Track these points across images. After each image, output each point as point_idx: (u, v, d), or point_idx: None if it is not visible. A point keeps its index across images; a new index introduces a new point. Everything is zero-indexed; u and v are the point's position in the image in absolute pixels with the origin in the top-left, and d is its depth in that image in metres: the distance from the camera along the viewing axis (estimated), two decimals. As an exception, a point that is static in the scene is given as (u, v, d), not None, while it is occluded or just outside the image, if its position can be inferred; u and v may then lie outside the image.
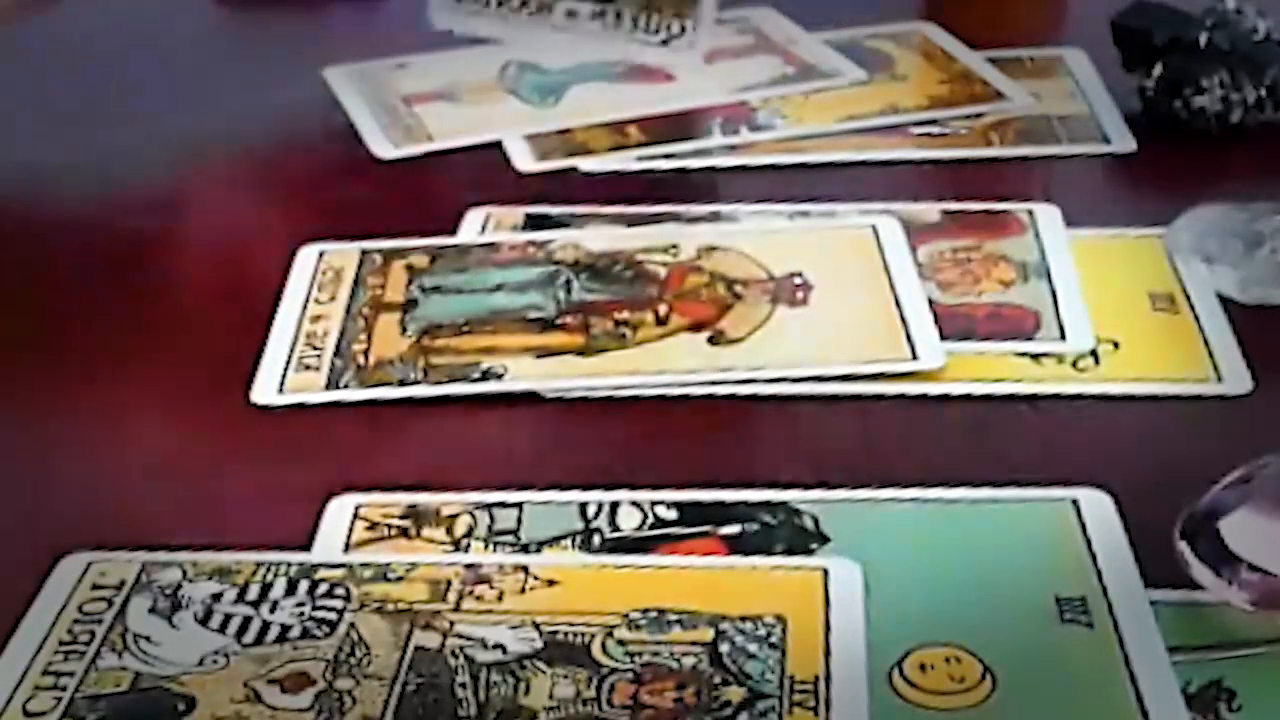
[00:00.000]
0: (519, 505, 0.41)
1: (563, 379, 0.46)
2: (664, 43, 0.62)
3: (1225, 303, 0.48)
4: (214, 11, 0.72)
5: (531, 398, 0.46)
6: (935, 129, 0.60)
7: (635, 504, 0.41)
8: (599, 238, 0.52)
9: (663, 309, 0.49)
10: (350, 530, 0.41)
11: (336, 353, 0.47)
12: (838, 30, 0.66)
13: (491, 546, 0.40)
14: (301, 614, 0.38)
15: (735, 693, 0.35)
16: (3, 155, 0.57)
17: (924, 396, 0.45)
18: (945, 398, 0.45)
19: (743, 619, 0.37)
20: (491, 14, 0.63)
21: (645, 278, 0.50)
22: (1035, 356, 0.47)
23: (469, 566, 0.39)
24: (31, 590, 0.39)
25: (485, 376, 0.46)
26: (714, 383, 0.46)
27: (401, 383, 0.46)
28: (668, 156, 0.58)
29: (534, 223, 0.54)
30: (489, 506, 0.41)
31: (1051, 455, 0.43)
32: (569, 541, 0.40)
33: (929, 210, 0.54)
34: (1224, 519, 0.37)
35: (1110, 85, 0.62)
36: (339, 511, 0.41)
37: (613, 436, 0.45)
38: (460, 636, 0.37)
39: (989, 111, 0.60)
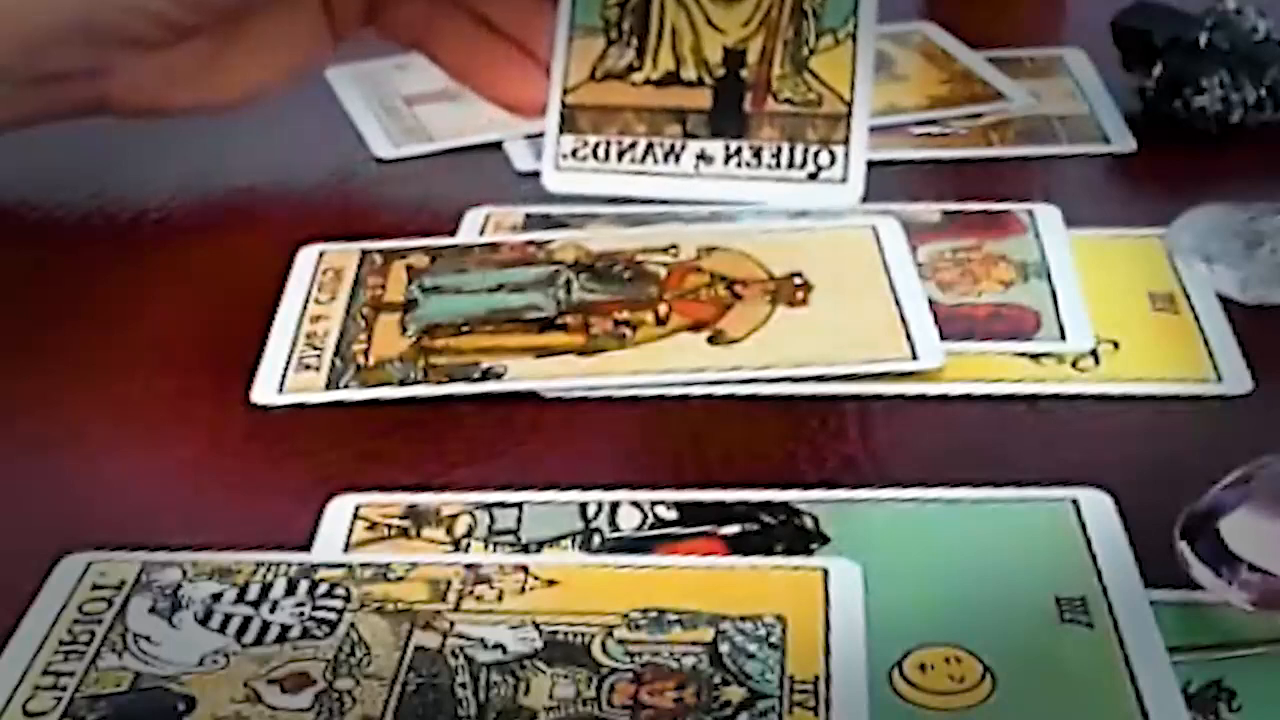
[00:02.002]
0: (519, 505, 0.41)
1: (563, 379, 0.46)
2: (811, 176, 0.53)
3: (1225, 303, 0.48)
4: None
5: (531, 398, 0.46)
6: (935, 129, 0.60)
7: (635, 504, 0.41)
8: (599, 238, 0.52)
9: (663, 309, 0.49)
10: (350, 530, 0.41)
11: (336, 353, 0.47)
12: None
13: (491, 546, 0.40)
14: (301, 614, 0.38)
15: (735, 693, 0.35)
16: (2, 157, 0.57)
17: (924, 396, 0.45)
18: (945, 398, 0.45)
19: (743, 619, 0.37)
20: (612, 169, 0.55)
21: (645, 278, 0.50)
22: (1035, 356, 0.47)
23: (469, 566, 0.39)
24: (31, 590, 0.39)
25: (485, 376, 0.46)
26: (714, 383, 0.46)
27: (401, 383, 0.46)
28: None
29: (534, 223, 0.54)
30: (489, 506, 0.41)
31: (1051, 455, 0.43)
32: (569, 541, 0.40)
33: (929, 210, 0.54)
34: (1224, 519, 0.37)
35: (1110, 85, 0.62)
36: (339, 511, 0.41)
37: (613, 436, 0.45)
38: (460, 636, 0.37)
39: (989, 111, 0.60)
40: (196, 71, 0.55)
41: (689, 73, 0.54)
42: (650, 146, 0.54)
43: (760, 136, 0.54)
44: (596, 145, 0.54)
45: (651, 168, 0.54)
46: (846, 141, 0.53)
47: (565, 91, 0.55)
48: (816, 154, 0.53)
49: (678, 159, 0.54)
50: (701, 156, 0.54)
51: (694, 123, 0.54)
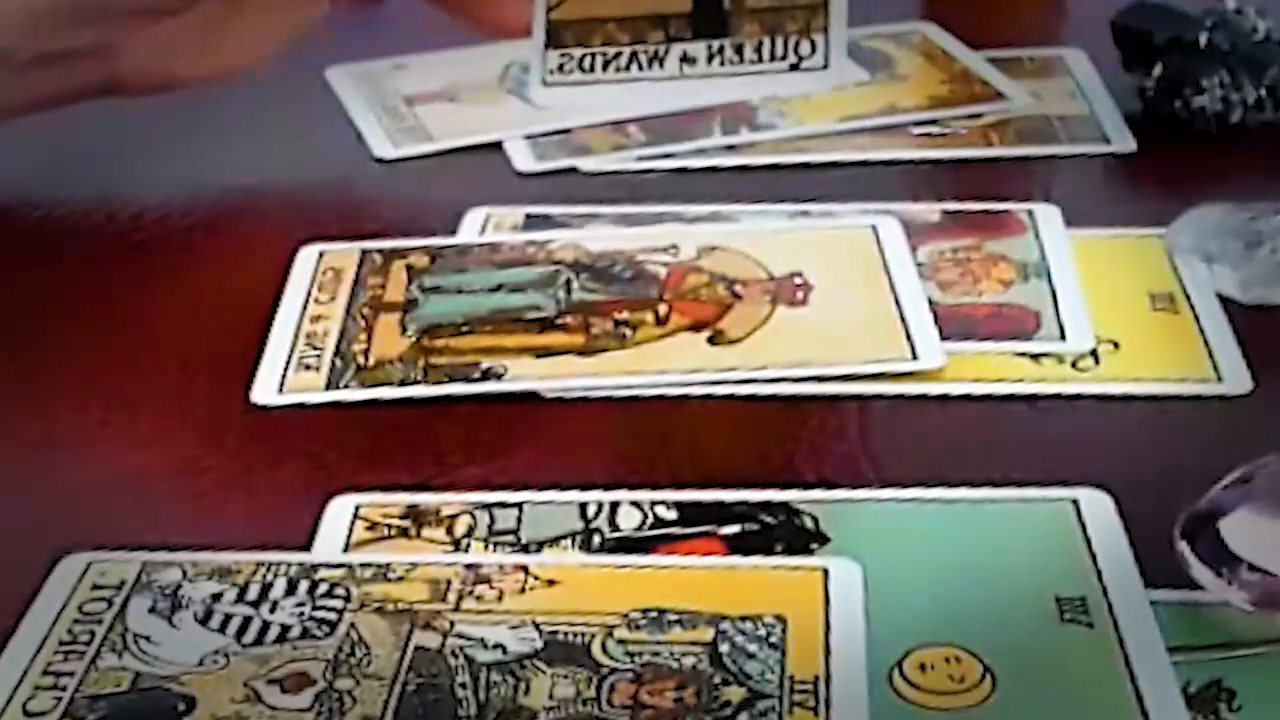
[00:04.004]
0: (519, 505, 0.41)
1: (563, 379, 0.46)
2: (793, 67, 0.55)
3: (1225, 303, 0.48)
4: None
5: (531, 398, 0.46)
6: (935, 129, 0.60)
7: (635, 504, 0.41)
8: (599, 238, 0.52)
9: (663, 309, 0.49)
10: (350, 530, 0.41)
11: (336, 353, 0.47)
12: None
13: (491, 546, 0.40)
14: (301, 614, 0.38)
15: (735, 693, 0.35)
16: (3, 155, 0.57)
17: (924, 396, 0.45)
18: (945, 398, 0.45)
19: (743, 619, 0.37)
20: (598, 79, 0.56)
21: (645, 278, 0.50)
22: (1035, 356, 0.47)
23: (469, 566, 0.39)
24: (31, 590, 0.39)
25: (485, 376, 0.46)
26: (714, 383, 0.46)
27: (401, 383, 0.46)
28: (668, 156, 0.58)
29: (534, 223, 0.54)
30: (489, 506, 0.41)
31: (1051, 455, 0.43)
32: (569, 541, 0.40)
33: (929, 210, 0.54)
34: (1224, 519, 0.37)
35: (1110, 85, 0.62)
36: (339, 511, 0.41)
37: (613, 436, 0.45)
38: (460, 636, 0.37)
39: (989, 111, 0.60)
40: (202, 41, 0.55)
41: None
42: (634, 54, 0.55)
43: (741, 33, 0.55)
44: (582, 58, 0.55)
45: (636, 74, 0.56)
46: (825, 29, 0.55)
47: (550, 8, 0.55)
48: (797, 44, 0.55)
49: (662, 63, 0.56)
50: (685, 59, 0.55)
51: (676, 26, 0.55)
